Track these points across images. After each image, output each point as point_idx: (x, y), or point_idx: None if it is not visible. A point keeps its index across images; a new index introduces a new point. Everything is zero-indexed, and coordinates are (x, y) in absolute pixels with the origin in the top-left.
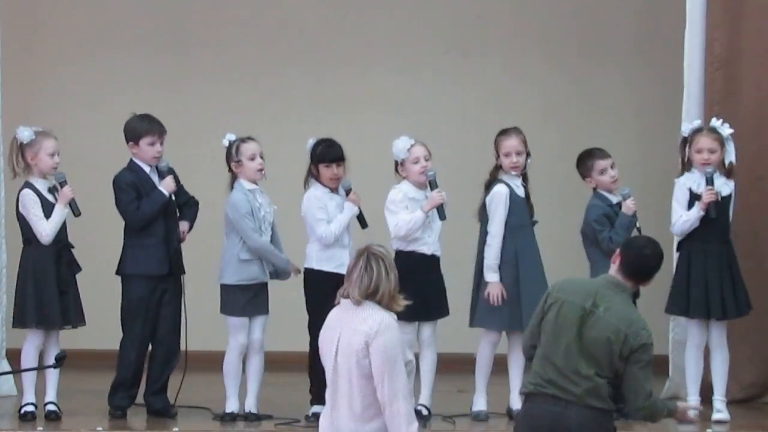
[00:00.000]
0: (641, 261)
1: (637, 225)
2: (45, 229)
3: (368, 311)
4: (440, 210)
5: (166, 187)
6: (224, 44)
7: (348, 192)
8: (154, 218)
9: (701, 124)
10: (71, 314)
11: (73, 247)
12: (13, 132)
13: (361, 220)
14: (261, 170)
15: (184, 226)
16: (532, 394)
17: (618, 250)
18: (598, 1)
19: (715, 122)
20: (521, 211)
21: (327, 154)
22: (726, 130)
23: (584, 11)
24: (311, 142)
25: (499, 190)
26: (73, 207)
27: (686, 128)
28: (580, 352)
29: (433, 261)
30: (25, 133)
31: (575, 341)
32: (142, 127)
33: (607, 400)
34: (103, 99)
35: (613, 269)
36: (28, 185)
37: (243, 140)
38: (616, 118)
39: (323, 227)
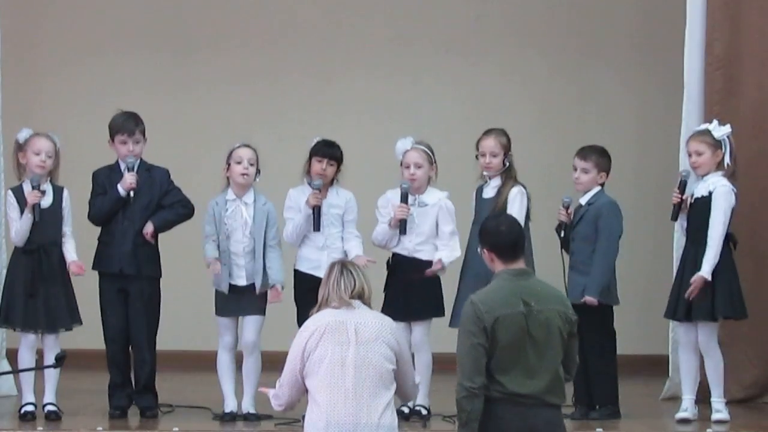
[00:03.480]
0: (499, 238)
1: (561, 235)
2: (12, 232)
3: (371, 311)
4: (402, 224)
5: (123, 185)
6: (224, 47)
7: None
8: (108, 215)
9: (697, 128)
10: (38, 319)
11: (46, 252)
12: (13, 133)
13: (315, 220)
14: (243, 174)
15: (147, 227)
16: (497, 399)
17: (482, 248)
18: (598, 1)
19: (710, 125)
20: (486, 213)
21: (322, 149)
22: (720, 131)
23: (584, 12)
24: (315, 140)
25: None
26: (35, 212)
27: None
28: (538, 352)
29: (427, 264)
30: (23, 133)
31: (531, 346)
32: (115, 125)
33: (563, 395)
34: (103, 100)
35: (495, 265)
36: (15, 187)
37: (239, 146)
38: (616, 118)
39: (286, 226)
